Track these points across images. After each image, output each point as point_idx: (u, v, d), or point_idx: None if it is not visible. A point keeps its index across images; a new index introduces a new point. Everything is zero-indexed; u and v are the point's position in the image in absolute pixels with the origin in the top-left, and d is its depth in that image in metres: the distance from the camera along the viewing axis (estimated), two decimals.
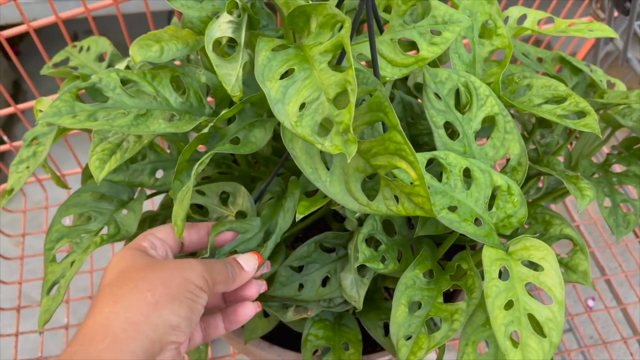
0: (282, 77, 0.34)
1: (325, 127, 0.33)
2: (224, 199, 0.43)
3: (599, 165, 0.53)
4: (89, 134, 0.45)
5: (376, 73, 0.37)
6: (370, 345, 0.49)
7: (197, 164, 0.36)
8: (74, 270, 0.42)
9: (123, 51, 0.56)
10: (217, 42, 0.38)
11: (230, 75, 0.37)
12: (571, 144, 0.58)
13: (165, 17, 1.31)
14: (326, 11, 0.35)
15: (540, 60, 0.55)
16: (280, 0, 0.36)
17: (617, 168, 0.55)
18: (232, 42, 0.39)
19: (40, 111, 0.54)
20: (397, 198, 0.35)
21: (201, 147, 0.41)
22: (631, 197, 0.49)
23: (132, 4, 0.75)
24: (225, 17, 0.38)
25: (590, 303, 1.16)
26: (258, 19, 0.40)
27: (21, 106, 0.67)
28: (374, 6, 0.38)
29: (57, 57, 0.57)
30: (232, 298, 0.40)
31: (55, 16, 0.60)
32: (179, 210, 0.37)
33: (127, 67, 0.50)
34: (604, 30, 0.45)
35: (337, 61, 0.35)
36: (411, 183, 0.34)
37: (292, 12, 0.36)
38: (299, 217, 0.39)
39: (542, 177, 0.53)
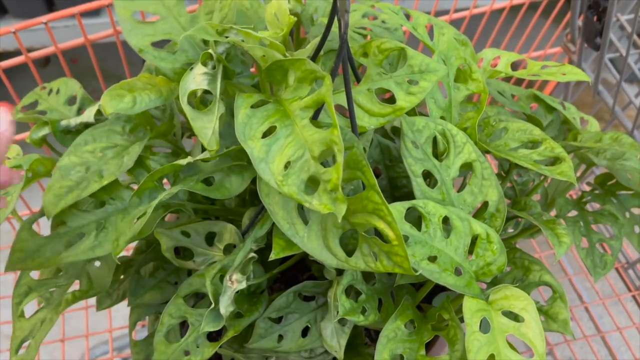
0: (264, 136, 0.34)
1: (310, 185, 0.33)
2: (209, 240, 0.42)
3: (575, 203, 0.53)
4: None
5: (354, 128, 0.36)
6: None
7: (166, 192, 0.36)
8: (44, 330, 0.41)
9: (95, 84, 0.55)
10: (192, 94, 0.38)
11: (207, 129, 0.36)
12: (547, 179, 0.58)
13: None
14: (304, 66, 0.34)
15: (514, 96, 0.55)
16: (257, 54, 0.35)
17: (593, 206, 0.55)
18: (207, 93, 0.39)
19: (7, 158, 0.52)
20: (375, 255, 0.35)
21: (165, 183, 0.40)
22: (606, 236, 0.50)
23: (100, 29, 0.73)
24: (199, 69, 0.38)
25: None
26: (233, 70, 0.39)
27: None
28: (350, 58, 0.38)
29: (26, 100, 0.56)
30: None
31: (25, 56, 0.59)
32: (126, 230, 0.35)
33: (98, 111, 0.49)
34: (576, 73, 0.45)
35: (314, 115, 0.35)
36: (389, 242, 0.33)
37: (270, 65, 0.35)
38: (274, 257, 0.38)
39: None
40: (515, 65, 0.51)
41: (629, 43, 0.60)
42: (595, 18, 0.62)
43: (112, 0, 0.57)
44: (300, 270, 0.56)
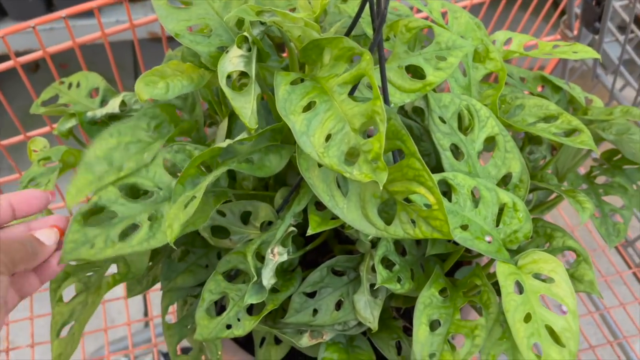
0: (304, 110, 0.35)
1: (349, 157, 0.34)
2: (244, 218, 0.43)
3: (585, 177, 0.55)
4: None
5: (386, 101, 0.38)
6: None
7: (212, 174, 0.37)
8: (88, 313, 0.41)
9: (109, 81, 0.55)
10: (228, 76, 0.39)
11: (246, 108, 0.38)
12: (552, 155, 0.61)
13: (128, 46, 1.30)
14: (342, 44, 0.36)
15: (523, 80, 0.58)
16: (295, 34, 0.37)
17: (601, 179, 0.58)
18: (242, 75, 0.40)
19: (35, 150, 0.53)
20: (413, 222, 0.36)
21: None
22: (617, 207, 0.52)
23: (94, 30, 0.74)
24: (235, 52, 0.39)
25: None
26: (267, 52, 0.41)
27: (5, 142, 0.65)
28: (380, 37, 0.39)
29: (45, 95, 0.56)
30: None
31: (43, 51, 0.59)
32: (179, 214, 0.36)
33: (123, 102, 0.50)
34: (587, 51, 0.48)
35: (350, 91, 0.37)
36: (429, 207, 0.35)
37: (307, 45, 0.37)
38: (311, 231, 0.39)
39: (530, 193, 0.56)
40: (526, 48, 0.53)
41: (628, 28, 0.63)
42: (594, 2, 0.64)
43: (101, 2, 0.58)
44: (321, 254, 0.57)
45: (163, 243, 0.38)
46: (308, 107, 0.35)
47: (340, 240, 0.54)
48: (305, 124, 0.34)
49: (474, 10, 0.82)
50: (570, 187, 0.46)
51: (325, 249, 0.56)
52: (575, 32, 0.75)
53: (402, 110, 0.51)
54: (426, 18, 0.65)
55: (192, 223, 0.39)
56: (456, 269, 0.50)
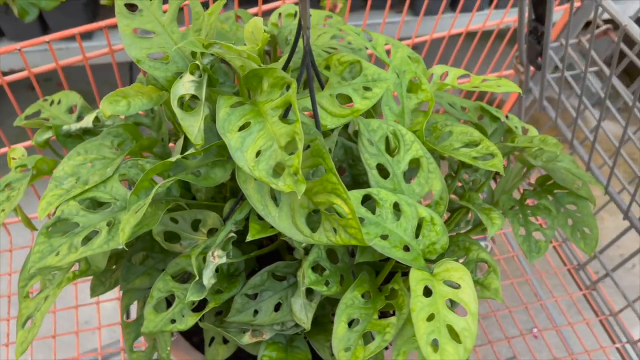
0: (240, 129, 0.41)
1: (277, 171, 0.40)
2: (194, 226, 0.48)
3: (516, 200, 0.61)
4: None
5: (317, 124, 0.43)
6: None
7: (159, 185, 0.42)
8: (48, 305, 0.46)
9: (89, 99, 0.61)
10: (180, 99, 0.45)
11: (193, 127, 0.43)
12: (496, 181, 0.66)
13: (126, 67, 1.37)
14: (276, 74, 0.41)
15: (464, 109, 0.63)
16: (237, 64, 0.42)
17: (530, 202, 0.63)
18: (193, 98, 0.46)
19: (13, 158, 0.58)
20: (335, 230, 0.41)
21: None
22: (542, 227, 0.57)
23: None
24: (188, 77, 0.45)
25: (535, 331, 1.24)
26: (217, 78, 0.46)
27: None
28: (315, 67, 0.45)
29: (29, 110, 0.62)
30: None
31: (28, 70, 0.65)
32: (130, 219, 0.41)
33: (96, 118, 0.56)
34: (510, 86, 0.53)
35: (284, 114, 0.42)
36: (344, 217, 0.40)
37: (247, 74, 0.43)
38: (250, 238, 0.44)
39: (470, 213, 0.61)
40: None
41: (563, 66, 0.69)
42: (536, 41, 0.70)
43: (82, 29, 0.64)
44: (274, 262, 0.62)
45: (120, 245, 0.44)
46: (244, 127, 0.41)
47: (290, 250, 0.59)
48: (240, 141, 0.40)
49: (435, 44, 0.88)
50: (488, 206, 0.51)
51: (278, 258, 0.61)
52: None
53: (345, 133, 0.56)
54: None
55: (145, 225, 0.44)
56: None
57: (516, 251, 0.95)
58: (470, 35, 0.91)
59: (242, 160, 0.39)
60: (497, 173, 0.66)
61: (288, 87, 0.41)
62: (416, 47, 0.89)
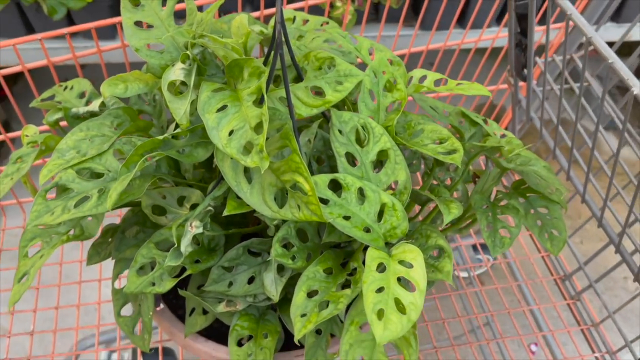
0: (217, 111, 0.46)
1: (247, 148, 0.44)
2: (180, 201, 0.53)
3: (489, 201, 0.64)
4: None
5: (291, 112, 0.48)
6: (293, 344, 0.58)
7: (144, 157, 0.47)
8: (42, 261, 0.51)
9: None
10: (171, 84, 0.50)
11: (180, 109, 0.48)
12: (475, 183, 0.70)
13: (140, 67, 1.44)
14: (253, 64, 0.46)
15: (446, 113, 0.67)
16: (220, 54, 0.47)
17: (502, 202, 0.66)
18: (183, 84, 0.51)
19: (27, 135, 0.65)
20: (299, 207, 0.46)
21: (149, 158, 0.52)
22: (509, 225, 0.60)
23: (114, 55, 0.87)
24: (179, 65, 0.50)
25: (534, 348, 1.25)
26: (205, 68, 0.51)
27: (11, 135, 0.77)
28: (294, 61, 0.50)
29: (45, 94, 0.68)
30: None
31: (47, 60, 0.71)
32: (118, 187, 0.46)
33: (102, 103, 0.62)
34: (480, 89, 0.57)
35: (260, 101, 0.47)
36: (306, 194, 0.44)
37: (230, 63, 0.48)
38: (226, 213, 0.48)
39: None
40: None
41: (545, 68, 0.72)
42: (522, 54, 0.74)
43: (72, 29, 0.70)
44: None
45: (108, 210, 0.49)
46: (221, 109, 0.45)
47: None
48: (216, 121, 0.45)
49: (431, 55, 0.93)
50: (451, 199, 0.54)
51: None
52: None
53: (326, 126, 0.61)
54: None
55: (131, 194, 0.49)
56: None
57: (509, 258, 0.98)
58: (467, 50, 0.94)
59: (216, 138, 0.44)
60: (475, 175, 0.70)
61: (261, 76, 0.45)
62: (417, 58, 0.93)
